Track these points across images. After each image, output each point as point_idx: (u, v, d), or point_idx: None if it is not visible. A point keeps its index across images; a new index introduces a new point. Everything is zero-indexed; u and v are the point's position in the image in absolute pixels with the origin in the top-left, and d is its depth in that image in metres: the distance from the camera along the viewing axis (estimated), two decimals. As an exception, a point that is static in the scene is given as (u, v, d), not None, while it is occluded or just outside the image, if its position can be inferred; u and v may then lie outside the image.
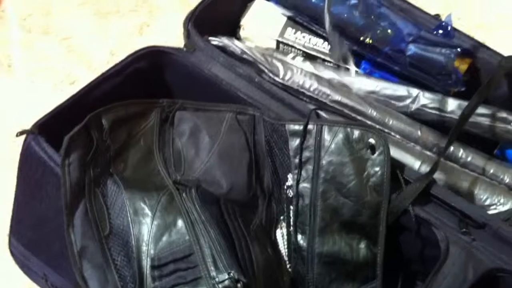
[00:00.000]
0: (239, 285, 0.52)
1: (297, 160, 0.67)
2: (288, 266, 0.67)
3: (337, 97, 0.80)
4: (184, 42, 0.79)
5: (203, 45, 0.78)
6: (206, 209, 0.58)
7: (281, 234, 0.68)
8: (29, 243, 0.70)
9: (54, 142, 0.64)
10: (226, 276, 0.52)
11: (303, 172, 0.67)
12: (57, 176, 0.60)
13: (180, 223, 0.57)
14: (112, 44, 1.08)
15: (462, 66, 0.78)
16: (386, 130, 0.80)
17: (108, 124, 0.63)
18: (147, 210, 0.59)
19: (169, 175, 0.64)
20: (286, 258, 0.68)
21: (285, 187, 0.68)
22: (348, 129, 0.66)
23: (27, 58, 1.05)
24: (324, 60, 0.87)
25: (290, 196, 0.67)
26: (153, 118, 0.68)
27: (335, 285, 0.65)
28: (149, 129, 0.68)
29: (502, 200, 0.73)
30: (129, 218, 0.58)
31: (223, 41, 0.83)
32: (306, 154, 0.67)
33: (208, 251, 0.55)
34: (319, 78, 0.82)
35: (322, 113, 0.80)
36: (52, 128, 0.65)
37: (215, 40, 0.82)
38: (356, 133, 0.66)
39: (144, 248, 0.56)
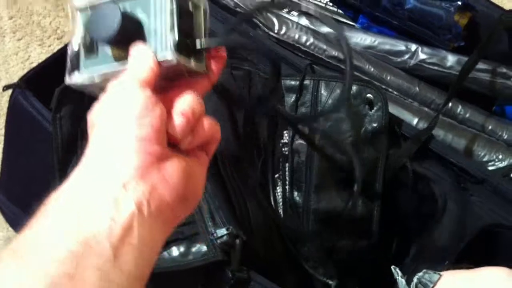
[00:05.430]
0: (237, 240, 0.51)
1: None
2: (284, 223, 0.66)
3: (334, 52, 0.78)
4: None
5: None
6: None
7: (276, 192, 0.67)
8: (19, 200, 0.68)
9: (42, 97, 0.61)
10: (225, 232, 0.51)
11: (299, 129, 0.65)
12: (46, 131, 0.58)
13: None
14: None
15: (462, 20, 0.76)
16: (384, 86, 0.78)
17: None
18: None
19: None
20: (282, 215, 0.67)
21: (281, 144, 0.67)
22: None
23: (13, 14, 1.01)
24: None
25: (286, 153, 0.66)
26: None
27: (330, 241, 0.64)
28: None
29: (500, 157, 0.72)
30: None
31: (216, -7, 0.80)
32: (302, 110, 0.66)
33: (206, 206, 0.53)
34: (315, 33, 0.80)
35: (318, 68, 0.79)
36: (40, 83, 0.63)
37: (207, -8, 0.80)
38: (354, 88, 0.64)
39: None
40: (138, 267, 0.31)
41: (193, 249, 0.51)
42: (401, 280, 0.34)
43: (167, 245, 0.52)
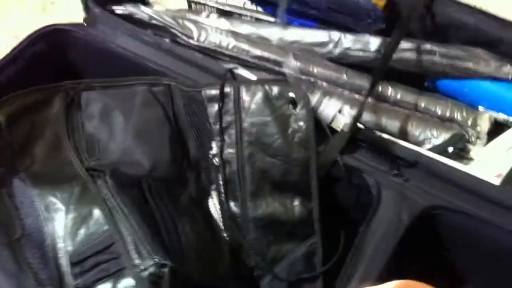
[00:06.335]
0: (165, 270, 0.49)
1: (218, 127, 0.64)
2: (225, 235, 0.64)
3: (257, 52, 0.77)
4: (84, 16, 0.74)
5: (104, 17, 0.72)
6: (124, 193, 0.54)
7: (214, 204, 0.65)
8: None
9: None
10: (151, 263, 0.49)
11: (226, 138, 0.64)
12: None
13: (97, 213, 0.54)
14: (15, 26, 0.99)
15: (380, 2, 0.75)
16: (312, 79, 0.77)
17: (5, 119, 0.58)
18: (59, 205, 0.54)
19: (81, 162, 0.60)
20: (222, 228, 0.65)
21: (211, 155, 0.65)
22: (267, 87, 0.63)
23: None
24: (240, 14, 0.82)
25: (217, 164, 0.64)
26: (57, 103, 0.63)
27: (274, 247, 0.63)
28: (55, 116, 0.62)
29: (435, 134, 0.72)
30: (41, 216, 0.54)
31: (128, 8, 0.77)
32: (227, 118, 0.64)
33: (130, 239, 0.51)
34: (236, 35, 0.78)
35: (243, 70, 0.77)
36: None
37: (119, 9, 0.77)
38: (275, 89, 0.62)
39: (60, 245, 0.52)
40: None
41: (120, 286, 0.49)
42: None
43: (92, 285, 0.49)
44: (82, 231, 0.53)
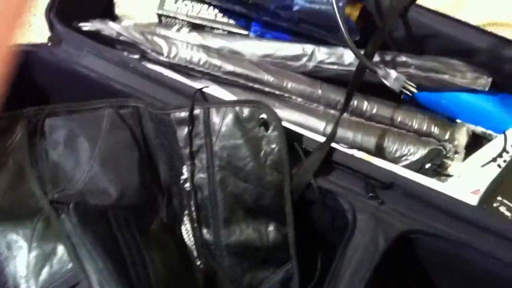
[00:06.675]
0: (131, 310, 0.47)
1: (188, 151, 0.61)
2: (198, 263, 0.62)
3: (230, 67, 0.75)
4: (49, 35, 0.71)
5: (69, 35, 0.69)
6: (89, 228, 0.52)
7: (186, 231, 0.64)
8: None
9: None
10: (116, 306, 0.47)
11: (197, 162, 0.62)
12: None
13: (60, 250, 0.52)
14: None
15: (353, 12, 0.73)
16: (286, 95, 0.75)
17: (-37, 151, 0.56)
18: (21, 242, 0.52)
19: (45, 194, 0.57)
20: (195, 255, 0.63)
21: (182, 180, 0.63)
22: (237, 108, 0.60)
23: None
24: (212, 27, 0.80)
25: (188, 189, 0.62)
26: (19, 131, 0.61)
27: (249, 274, 0.61)
28: (17, 145, 0.60)
29: (412, 150, 0.71)
30: (2, 255, 0.52)
31: (96, 25, 0.75)
32: (197, 142, 0.62)
33: (95, 278, 0.49)
34: (208, 50, 0.76)
35: (215, 87, 0.75)
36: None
37: (86, 26, 0.74)
38: (246, 111, 0.60)
39: (23, 286, 0.50)
40: None
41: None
42: None
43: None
44: (45, 270, 0.51)
